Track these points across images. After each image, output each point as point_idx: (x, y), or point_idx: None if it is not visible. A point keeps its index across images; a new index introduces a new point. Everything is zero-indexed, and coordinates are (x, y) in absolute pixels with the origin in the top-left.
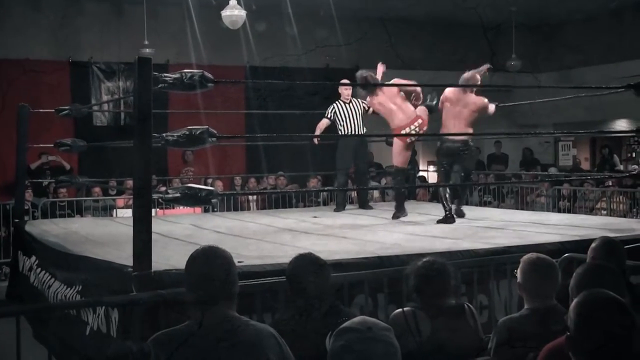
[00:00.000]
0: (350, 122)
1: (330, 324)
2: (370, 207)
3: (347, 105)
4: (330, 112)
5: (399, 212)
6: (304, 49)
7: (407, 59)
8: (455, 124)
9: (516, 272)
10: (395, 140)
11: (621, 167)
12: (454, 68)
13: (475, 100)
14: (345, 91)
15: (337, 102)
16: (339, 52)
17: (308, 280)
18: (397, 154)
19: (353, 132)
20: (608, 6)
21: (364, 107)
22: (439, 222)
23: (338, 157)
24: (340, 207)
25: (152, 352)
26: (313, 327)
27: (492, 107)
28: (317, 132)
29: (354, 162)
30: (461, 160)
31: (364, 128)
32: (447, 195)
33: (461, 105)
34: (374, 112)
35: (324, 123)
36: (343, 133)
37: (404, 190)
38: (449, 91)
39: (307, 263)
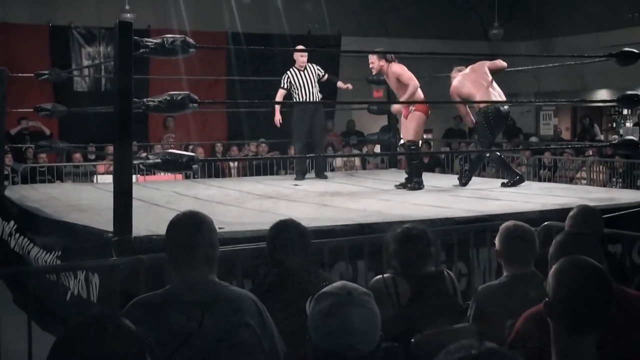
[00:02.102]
0: (306, 89)
1: (310, 290)
2: (325, 177)
3: (301, 72)
4: (286, 82)
5: (412, 184)
6: (286, 15)
7: (393, 28)
8: (481, 90)
9: (495, 240)
10: (417, 115)
11: (602, 137)
12: (442, 37)
13: (481, 63)
14: (300, 58)
15: (291, 69)
16: (322, 18)
17: (288, 246)
18: (418, 127)
19: (308, 100)
20: None
21: (318, 74)
22: (505, 185)
23: (294, 124)
24: (300, 175)
25: (132, 316)
26: (293, 293)
27: (503, 62)
28: (277, 106)
29: (310, 129)
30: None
31: (319, 95)
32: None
33: (475, 74)
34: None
35: (280, 94)
36: (298, 101)
37: (418, 162)
38: (455, 83)
39: (287, 229)
